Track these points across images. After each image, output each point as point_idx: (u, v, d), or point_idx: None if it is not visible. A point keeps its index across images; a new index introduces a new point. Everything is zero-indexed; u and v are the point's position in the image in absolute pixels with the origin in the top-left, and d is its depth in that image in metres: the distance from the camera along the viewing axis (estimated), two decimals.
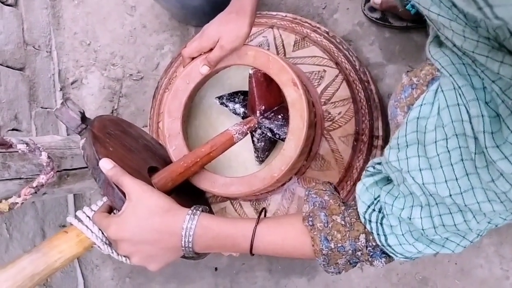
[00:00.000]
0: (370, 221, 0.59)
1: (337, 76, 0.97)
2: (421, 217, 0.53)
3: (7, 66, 1.16)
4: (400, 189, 0.55)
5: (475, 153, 0.46)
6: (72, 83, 1.40)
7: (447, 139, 0.49)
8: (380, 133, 0.98)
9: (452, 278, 1.09)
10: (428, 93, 0.52)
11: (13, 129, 1.13)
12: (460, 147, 0.48)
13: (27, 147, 0.75)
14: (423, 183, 0.51)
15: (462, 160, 0.48)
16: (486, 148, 0.44)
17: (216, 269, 1.26)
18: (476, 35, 0.46)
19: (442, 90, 0.50)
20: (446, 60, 0.52)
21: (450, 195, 0.49)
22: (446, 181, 0.49)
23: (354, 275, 1.16)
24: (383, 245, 0.59)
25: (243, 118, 0.97)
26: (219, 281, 1.26)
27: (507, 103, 0.44)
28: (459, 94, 0.48)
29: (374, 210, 0.59)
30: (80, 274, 1.31)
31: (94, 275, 1.34)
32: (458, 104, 0.49)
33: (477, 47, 0.46)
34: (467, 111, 0.47)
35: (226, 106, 0.99)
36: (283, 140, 0.88)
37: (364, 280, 1.15)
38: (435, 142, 0.50)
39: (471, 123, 0.47)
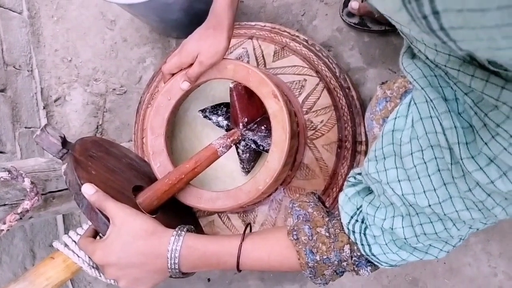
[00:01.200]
0: (353, 231, 0.60)
1: (317, 84, 0.97)
2: (402, 227, 0.54)
3: None
4: (381, 199, 0.56)
5: (451, 164, 0.47)
6: (55, 101, 1.40)
7: (422, 151, 0.49)
8: (363, 138, 0.99)
9: (441, 278, 1.10)
10: (401, 106, 0.53)
11: None
12: (436, 158, 0.48)
13: (9, 175, 0.75)
14: (402, 194, 0.52)
15: (439, 170, 0.49)
16: (461, 159, 0.44)
17: (209, 280, 1.26)
18: (447, 49, 0.47)
19: (415, 103, 0.51)
20: (418, 73, 0.52)
21: (429, 205, 0.50)
22: (424, 191, 0.50)
23: (346, 279, 1.16)
24: (367, 255, 0.59)
25: (226, 130, 0.97)
26: None
27: (480, 115, 0.44)
28: (432, 107, 0.49)
29: (357, 220, 0.60)
30: None
31: None
32: (431, 116, 0.49)
33: (449, 61, 0.47)
34: (440, 123, 0.48)
35: (210, 119, 1.00)
36: (267, 151, 0.88)
37: (356, 283, 1.16)
38: (411, 153, 0.50)
39: (445, 134, 0.48)
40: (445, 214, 0.50)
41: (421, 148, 0.50)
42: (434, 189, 0.49)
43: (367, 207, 0.58)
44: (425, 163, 0.49)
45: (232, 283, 1.24)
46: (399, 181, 0.52)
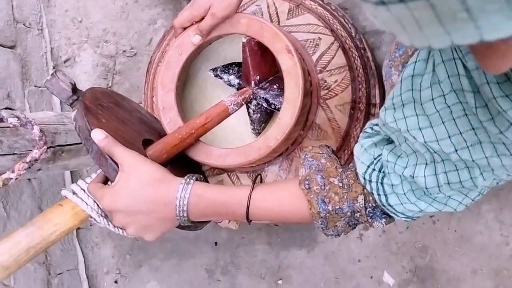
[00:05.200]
0: (370, 181, 0.58)
1: (332, 43, 0.95)
2: (424, 176, 0.52)
3: None
4: (403, 148, 0.54)
5: (475, 107, 0.45)
6: (65, 61, 1.38)
7: (444, 96, 0.47)
8: (377, 101, 0.97)
9: (451, 246, 1.09)
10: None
11: (6, 108, 1.11)
12: (461, 102, 0.47)
13: (19, 121, 0.74)
14: (425, 142, 0.50)
15: (465, 114, 0.47)
16: (494, 98, 0.42)
17: (216, 243, 1.26)
18: None
19: None
20: None
21: (456, 150, 0.48)
22: (449, 136, 0.48)
23: (354, 245, 1.16)
24: (383, 205, 0.58)
25: (238, 89, 0.95)
26: (219, 256, 1.26)
27: None
28: (455, 48, 0.47)
29: (374, 169, 0.58)
30: (80, 252, 1.31)
31: (94, 253, 1.34)
32: (454, 58, 0.47)
33: None
34: (464, 65, 0.46)
35: (221, 78, 0.98)
36: (278, 110, 0.87)
37: (364, 250, 1.15)
38: (432, 99, 0.48)
39: (468, 77, 0.46)
40: (473, 161, 0.48)
41: (442, 93, 0.48)
42: (460, 133, 0.47)
43: (388, 154, 0.56)
44: (449, 107, 0.47)
45: (239, 247, 1.24)
46: (420, 129, 0.50)
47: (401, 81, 0.52)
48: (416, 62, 0.51)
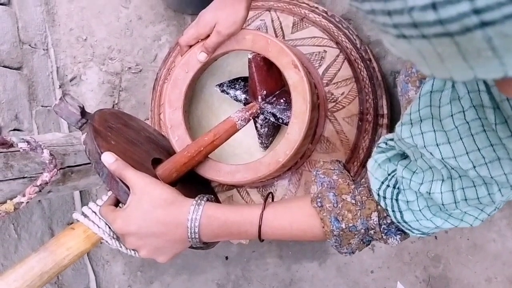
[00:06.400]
0: (384, 197, 0.57)
1: (338, 55, 0.95)
2: (441, 192, 0.51)
3: (4, 66, 1.15)
4: (418, 164, 0.54)
5: (495, 124, 0.45)
6: (71, 80, 1.39)
7: (464, 112, 0.47)
8: (385, 111, 0.97)
9: (465, 254, 1.08)
10: None
11: (14, 129, 1.12)
12: (480, 118, 0.46)
13: (28, 146, 0.74)
14: (442, 158, 0.49)
15: (484, 130, 0.46)
16: None
17: (226, 258, 1.25)
18: None
19: None
20: None
21: (474, 167, 0.47)
22: (467, 153, 0.47)
23: (366, 256, 1.15)
24: (398, 222, 0.57)
25: (245, 104, 0.95)
26: (230, 270, 1.25)
27: None
28: None
29: (388, 186, 0.57)
30: (91, 271, 1.31)
31: (105, 271, 1.34)
32: None
33: None
34: (484, 81, 0.46)
35: (227, 93, 0.98)
36: (286, 124, 0.87)
37: (376, 261, 1.14)
38: (452, 115, 0.48)
39: (488, 93, 0.45)
40: (492, 177, 0.47)
41: (462, 109, 0.47)
42: (479, 149, 0.46)
43: (403, 170, 0.55)
44: (468, 123, 0.46)
45: (250, 261, 1.23)
46: (437, 144, 0.49)
47: (419, 97, 0.51)
48: (435, 78, 0.50)
